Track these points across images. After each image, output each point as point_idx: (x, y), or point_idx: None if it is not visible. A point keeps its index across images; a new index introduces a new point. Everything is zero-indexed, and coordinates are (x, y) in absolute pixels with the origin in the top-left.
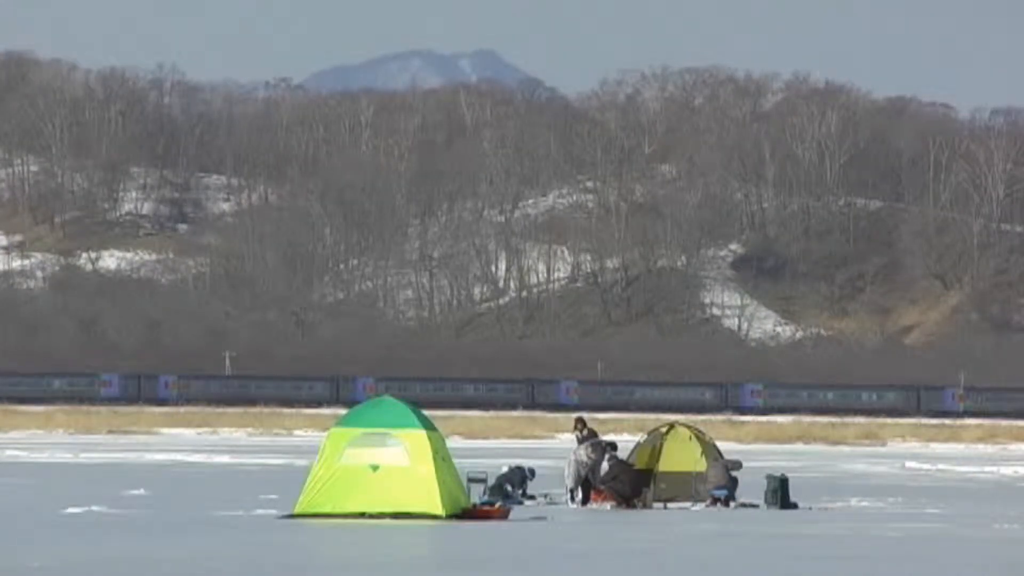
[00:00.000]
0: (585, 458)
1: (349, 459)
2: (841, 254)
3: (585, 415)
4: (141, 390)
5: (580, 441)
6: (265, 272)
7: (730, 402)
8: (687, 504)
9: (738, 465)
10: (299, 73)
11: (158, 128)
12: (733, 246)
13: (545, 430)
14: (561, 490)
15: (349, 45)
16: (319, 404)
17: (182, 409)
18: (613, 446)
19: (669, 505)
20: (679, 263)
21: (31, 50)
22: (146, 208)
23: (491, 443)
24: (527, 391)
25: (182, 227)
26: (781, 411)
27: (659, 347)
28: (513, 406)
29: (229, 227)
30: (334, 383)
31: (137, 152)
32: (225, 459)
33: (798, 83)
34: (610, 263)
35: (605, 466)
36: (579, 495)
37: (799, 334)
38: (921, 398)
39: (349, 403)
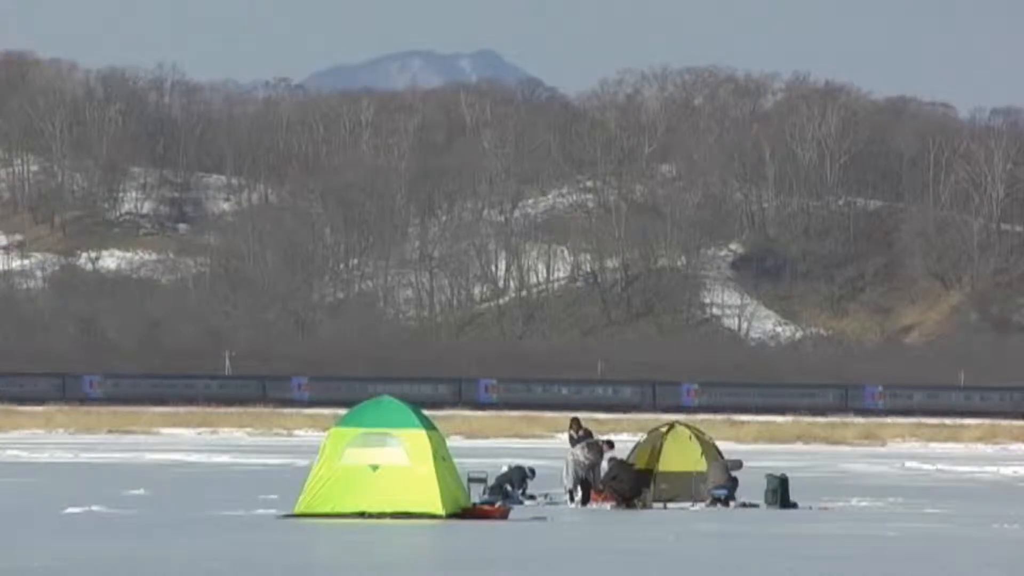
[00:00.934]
0: (582, 458)
1: (349, 459)
2: (841, 254)
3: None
4: None
5: (574, 441)
6: (265, 272)
7: (465, 397)
8: (687, 504)
9: (738, 465)
10: (299, 73)
11: (158, 128)
12: (733, 246)
13: (545, 430)
14: (561, 490)
15: (349, 45)
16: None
17: (182, 409)
18: (610, 444)
19: (669, 505)
20: (679, 263)
21: (31, 50)
22: (146, 208)
23: (491, 443)
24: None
25: (182, 227)
26: (510, 406)
27: (659, 347)
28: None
29: (229, 227)
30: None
31: (137, 152)
32: (225, 459)
33: (798, 83)
34: (610, 263)
35: (605, 465)
36: (578, 495)
37: (799, 334)
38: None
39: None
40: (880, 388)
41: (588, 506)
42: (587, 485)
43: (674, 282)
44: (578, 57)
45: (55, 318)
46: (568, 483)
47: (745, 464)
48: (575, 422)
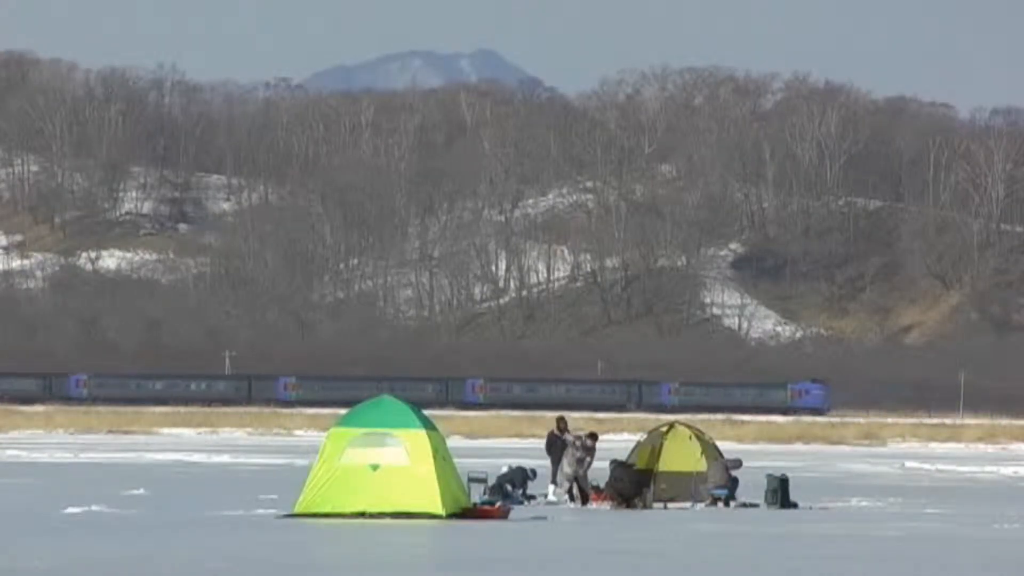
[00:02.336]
0: (574, 452)
1: (349, 459)
2: (841, 254)
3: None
4: None
5: (554, 442)
6: (265, 272)
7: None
8: (687, 504)
9: (738, 464)
10: (299, 73)
11: (158, 128)
12: (733, 246)
13: (546, 429)
14: (560, 490)
15: (349, 45)
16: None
17: (182, 409)
18: (593, 436)
19: (669, 505)
20: (679, 263)
21: (31, 50)
22: (146, 208)
23: (491, 443)
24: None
25: (182, 227)
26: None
27: (659, 347)
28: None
29: (229, 227)
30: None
31: (137, 152)
32: (225, 459)
33: (798, 83)
34: (610, 263)
35: (598, 464)
36: (576, 494)
37: (799, 334)
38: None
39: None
40: (481, 381)
41: (588, 506)
42: (580, 483)
43: (674, 282)
44: (578, 57)
45: (55, 318)
46: (566, 486)
47: (745, 464)
48: (562, 421)
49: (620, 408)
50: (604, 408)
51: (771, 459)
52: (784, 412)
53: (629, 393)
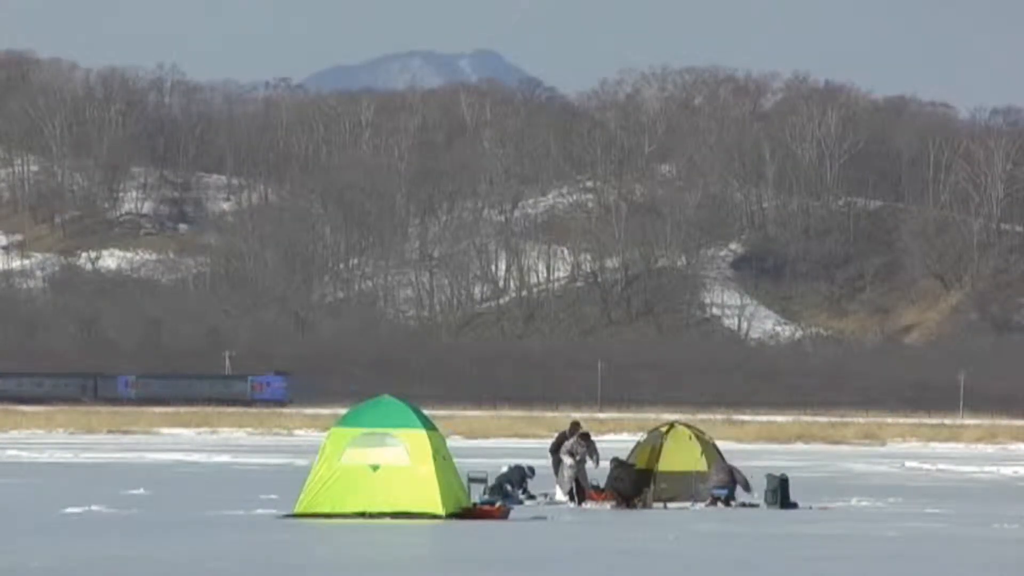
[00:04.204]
0: (575, 452)
1: (349, 459)
2: (841, 254)
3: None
4: None
5: (561, 444)
6: (265, 272)
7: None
8: (687, 504)
9: (747, 485)
10: (299, 73)
11: (158, 128)
12: (733, 246)
13: (546, 429)
14: (562, 492)
15: (349, 45)
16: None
17: (182, 409)
18: (585, 435)
19: (669, 505)
20: (679, 263)
21: (31, 50)
22: (146, 208)
23: (491, 443)
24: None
25: (182, 227)
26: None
27: (659, 347)
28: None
29: (229, 227)
30: None
31: (137, 152)
32: (225, 459)
33: (798, 83)
34: (610, 263)
35: (603, 465)
36: (575, 494)
37: (799, 334)
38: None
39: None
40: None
41: (587, 506)
42: (579, 485)
43: (674, 282)
44: (578, 57)
45: (55, 318)
46: (565, 488)
47: (745, 464)
48: (575, 425)
49: (75, 401)
50: (55, 401)
51: (771, 459)
52: (247, 404)
53: (84, 386)
